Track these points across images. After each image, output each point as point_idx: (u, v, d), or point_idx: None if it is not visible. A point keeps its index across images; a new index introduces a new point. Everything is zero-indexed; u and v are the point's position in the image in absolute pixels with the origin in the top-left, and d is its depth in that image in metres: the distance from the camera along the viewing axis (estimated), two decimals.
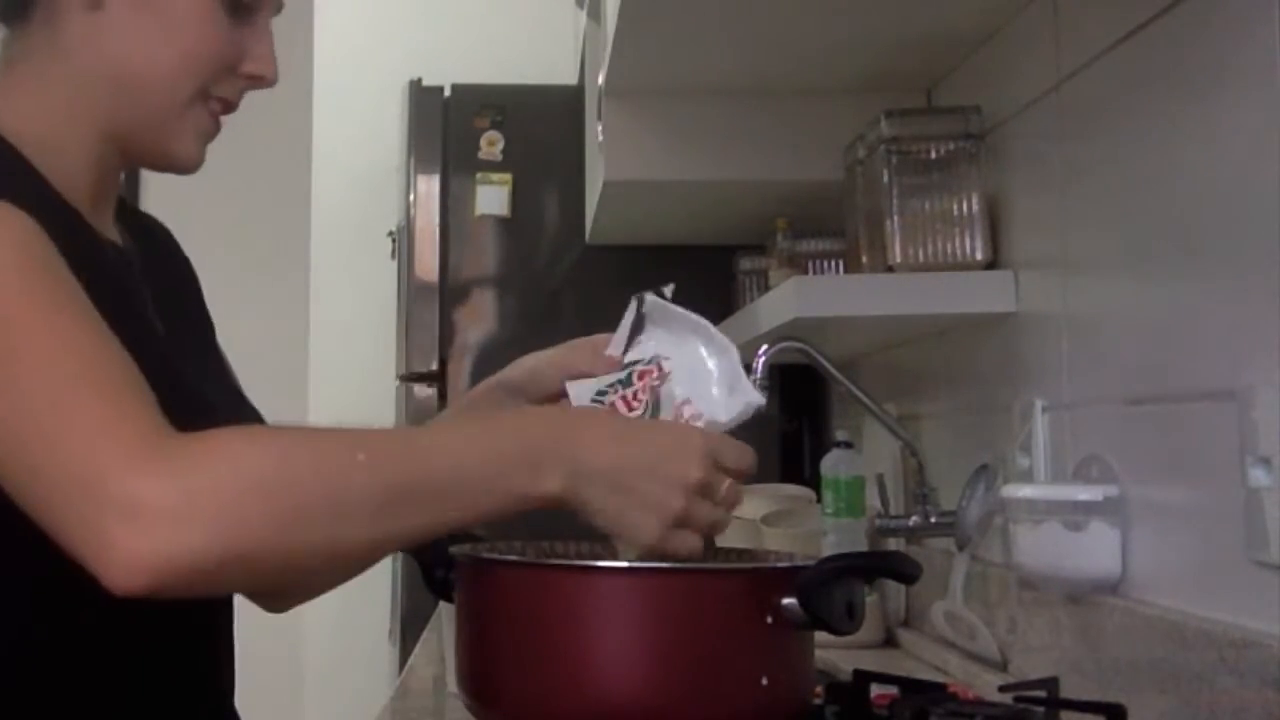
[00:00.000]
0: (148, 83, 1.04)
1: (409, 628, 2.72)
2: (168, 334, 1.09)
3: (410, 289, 2.90)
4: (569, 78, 3.17)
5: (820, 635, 1.05)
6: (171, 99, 1.05)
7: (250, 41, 1.08)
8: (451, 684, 1.17)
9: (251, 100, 1.18)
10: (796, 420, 2.81)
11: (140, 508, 0.79)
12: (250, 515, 0.82)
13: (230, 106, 1.10)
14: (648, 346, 1.09)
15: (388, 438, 0.92)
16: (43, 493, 0.84)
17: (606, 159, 2.12)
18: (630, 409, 1.06)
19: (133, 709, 1.02)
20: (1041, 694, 1.17)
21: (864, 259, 1.75)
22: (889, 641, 1.94)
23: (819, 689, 1.18)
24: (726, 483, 0.98)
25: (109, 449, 0.81)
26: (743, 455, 0.99)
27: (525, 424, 0.98)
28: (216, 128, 1.10)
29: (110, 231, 1.10)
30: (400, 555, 2.85)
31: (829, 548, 1.89)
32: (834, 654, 1.65)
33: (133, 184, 3.97)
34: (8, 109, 1.03)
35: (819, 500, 2.04)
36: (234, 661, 1.15)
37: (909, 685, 1.23)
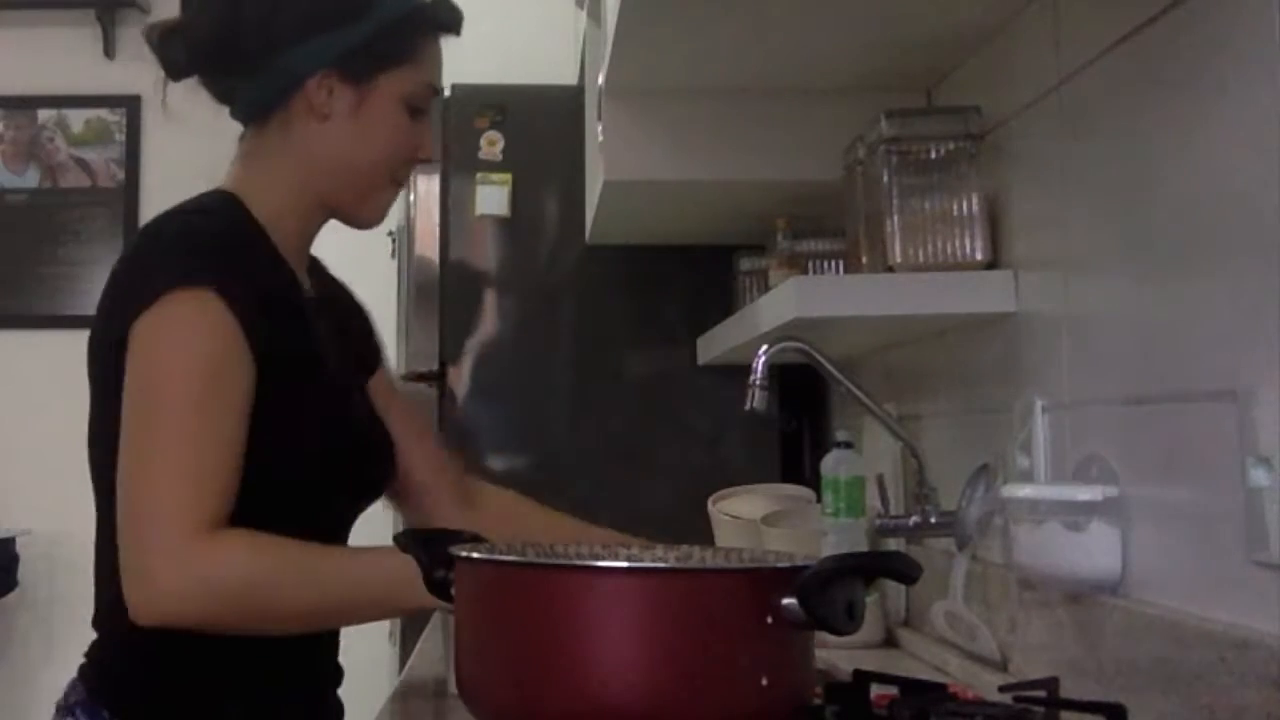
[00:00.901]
0: (356, 172, 1.43)
1: (409, 628, 2.71)
2: (339, 370, 1.43)
3: (410, 289, 2.89)
4: (569, 78, 3.17)
5: (820, 635, 1.05)
6: (371, 183, 1.44)
7: (421, 133, 1.45)
8: (452, 685, 1.17)
9: None
10: (796, 420, 2.80)
11: (156, 582, 1.21)
12: (225, 608, 1.23)
13: (404, 183, 1.48)
14: None
15: (338, 567, 1.30)
16: (119, 516, 1.23)
17: (606, 159, 2.12)
18: None
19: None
20: (1041, 694, 1.17)
21: (864, 259, 1.75)
22: (889, 641, 1.94)
23: (819, 689, 1.18)
24: None
25: (164, 527, 1.20)
26: None
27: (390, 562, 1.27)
28: (396, 197, 1.48)
29: (305, 281, 1.46)
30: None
31: (829, 548, 1.89)
32: (834, 654, 1.65)
33: (133, 183, 3.97)
34: (253, 191, 1.39)
35: (819, 500, 2.04)
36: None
37: (909, 685, 1.23)
